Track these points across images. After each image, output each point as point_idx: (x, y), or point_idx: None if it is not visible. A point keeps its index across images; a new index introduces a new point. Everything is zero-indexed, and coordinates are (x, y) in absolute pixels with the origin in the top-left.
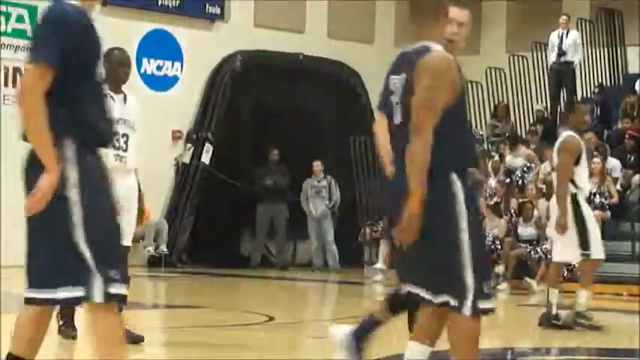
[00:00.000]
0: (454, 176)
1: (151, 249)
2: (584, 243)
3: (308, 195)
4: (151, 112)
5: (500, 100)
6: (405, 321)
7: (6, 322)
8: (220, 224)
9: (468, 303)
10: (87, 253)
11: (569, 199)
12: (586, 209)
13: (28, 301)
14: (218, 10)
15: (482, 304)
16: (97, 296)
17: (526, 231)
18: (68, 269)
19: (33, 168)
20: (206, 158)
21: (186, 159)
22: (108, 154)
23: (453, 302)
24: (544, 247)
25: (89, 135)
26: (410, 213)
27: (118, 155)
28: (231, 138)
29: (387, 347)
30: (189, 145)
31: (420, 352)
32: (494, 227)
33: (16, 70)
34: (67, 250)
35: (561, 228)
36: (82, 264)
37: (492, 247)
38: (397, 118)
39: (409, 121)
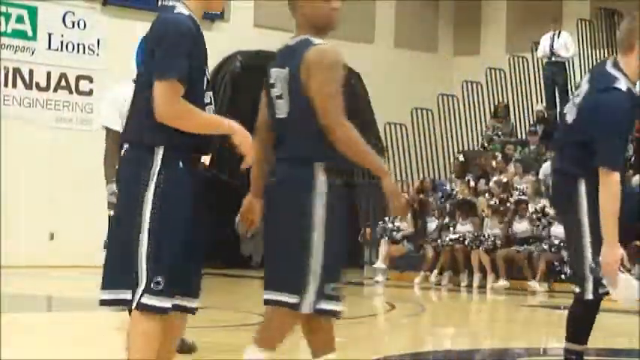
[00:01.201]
0: (318, 170)
1: None
2: None
3: None
4: None
5: (500, 100)
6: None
7: (6, 321)
8: (220, 224)
9: (309, 301)
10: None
11: None
12: None
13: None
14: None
15: (323, 305)
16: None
17: (520, 227)
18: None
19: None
20: (206, 158)
21: None
22: None
23: (291, 300)
24: (542, 245)
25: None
26: None
27: None
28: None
29: (387, 347)
30: None
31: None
32: (494, 227)
33: (16, 70)
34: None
35: None
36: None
37: (492, 247)
38: (282, 112)
39: (296, 114)
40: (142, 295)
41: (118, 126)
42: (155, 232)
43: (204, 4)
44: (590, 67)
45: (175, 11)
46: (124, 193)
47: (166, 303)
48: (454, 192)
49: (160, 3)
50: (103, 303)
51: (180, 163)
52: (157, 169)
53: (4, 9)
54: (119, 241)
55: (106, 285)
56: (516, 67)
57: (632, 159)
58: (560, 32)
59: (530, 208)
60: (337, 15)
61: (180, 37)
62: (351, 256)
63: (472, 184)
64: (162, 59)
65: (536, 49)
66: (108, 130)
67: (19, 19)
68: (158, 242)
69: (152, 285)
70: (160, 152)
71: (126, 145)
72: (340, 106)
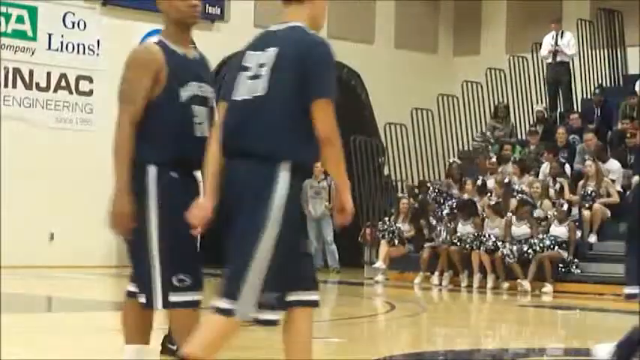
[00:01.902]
0: (151, 169)
1: None
2: None
3: (307, 196)
4: None
5: (500, 100)
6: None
7: (6, 322)
8: (220, 224)
9: (158, 296)
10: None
11: None
12: None
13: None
14: (218, 11)
15: (176, 297)
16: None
17: (520, 230)
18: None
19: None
20: None
21: None
22: None
23: (143, 298)
24: (540, 245)
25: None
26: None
27: None
28: None
29: (387, 347)
30: None
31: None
32: (495, 227)
33: (16, 70)
34: None
35: None
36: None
37: (493, 247)
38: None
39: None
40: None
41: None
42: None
43: (313, 24)
44: (590, 67)
45: (311, 32)
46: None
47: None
48: (454, 192)
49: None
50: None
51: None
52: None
53: (4, 9)
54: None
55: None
56: (516, 67)
57: (632, 159)
58: (563, 32)
59: (537, 211)
60: (195, 11)
61: (332, 61)
62: (351, 256)
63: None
64: (329, 82)
65: (537, 49)
66: None
67: (19, 19)
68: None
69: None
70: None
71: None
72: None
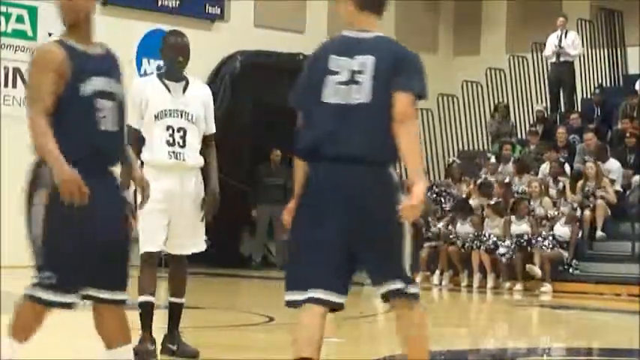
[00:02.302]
0: None
1: None
2: None
3: None
4: None
5: (500, 100)
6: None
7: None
8: (220, 224)
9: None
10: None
11: None
12: None
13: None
14: (218, 11)
15: (34, 292)
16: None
17: (519, 229)
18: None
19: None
20: None
21: None
22: (161, 152)
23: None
24: (541, 243)
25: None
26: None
27: (173, 152)
28: (231, 138)
29: (387, 347)
30: None
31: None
32: (495, 227)
33: (16, 70)
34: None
35: None
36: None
37: (493, 247)
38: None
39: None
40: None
41: (137, 125)
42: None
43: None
44: (591, 67)
45: (400, 44)
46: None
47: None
48: (453, 192)
49: (159, 3)
50: None
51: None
52: None
53: (4, 9)
54: None
55: None
56: (516, 67)
57: (632, 159)
58: (567, 31)
59: (538, 209)
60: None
61: None
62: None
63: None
64: (422, 79)
65: (537, 49)
66: (129, 128)
67: (19, 19)
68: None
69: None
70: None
71: None
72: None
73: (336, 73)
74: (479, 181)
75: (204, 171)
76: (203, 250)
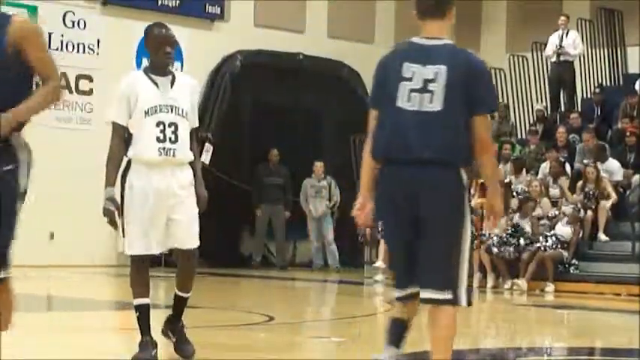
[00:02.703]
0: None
1: None
2: None
3: (307, 195)
4: None
5: (500, 100)
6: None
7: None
8: (220, 224)
9: None
10: None
11: None
12: None
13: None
14: (218, 10)
15: None
16: None
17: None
18: None
19: None
20: (206, 158)
21: None
22: (151, 148)
23: None
24: (541, 244)
25: None
26: None
27: (163, 149)
28: (231, 138)
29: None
30: None
31: None
32: (495, 227)
33: None
34: None
35: None
36: None
37: (492, 246)
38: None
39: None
40: None
41: (126, 122)
42: None
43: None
44: (591, 66)
45: (469, 51)
46: None
47: None
48: None
49: (159, 3)
50: None
51: None
52: None
53: (4, 9)
54: None
55: None
56: (516, 67)
57: (632, 159)
58: (568, 31)
59: (537, 209)
60: None
61: None
62: (351, 256)
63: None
64: (490, 96)
65: (537, 49)
66: (114, 126)
67: None
68: None
69: None
70: None
71: None
72: None
73: (409, 79)
74: (480, 181)
75: (192, 165)
76: (192, 246)
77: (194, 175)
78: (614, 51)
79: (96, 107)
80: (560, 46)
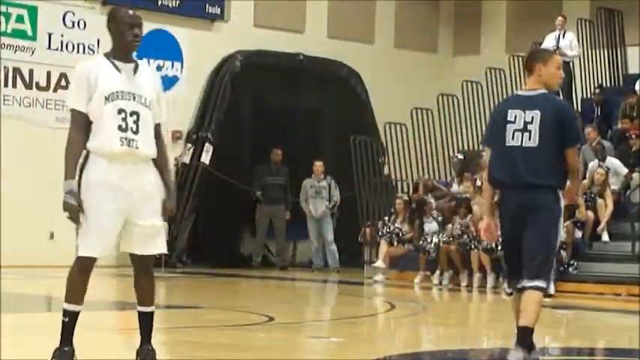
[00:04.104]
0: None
1: None
2: None
3: (307, 195)
4: None
5: (500, 100)
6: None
7: (6, 322)
8: (220, 224)
9: None
10: None
11: None
12: None
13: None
14: (218, 10)
15: None
16: None
17: None
18: None
19: None
20: (206, 158)
21: (186, 159)
22: (112, 137)
23: None
24: None
25: None
26: None
27: (125, 138)
28: (231, 138)
29: (387, 347)
30: (189, 145)
31: None
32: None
33: (16, 70)
34: None
35: None
36: None
37: (490, 247)
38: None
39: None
40: None
41: (85, 108)
42: None
43: (548, 86)
44: (590, 66)
45: (557, 98)
46: None
47: None
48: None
49: (159, 3)
50: None
51: None
52: None
53: (4, 9)
54: None
55: None
56: (516, 67)
57: (633, 159)
58: (565, 31)
59: None
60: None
61: None
62: (351, 256)
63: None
64: (576, 132)
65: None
66: (73, 113)
67: (19, 19)
68: None
69: None
70: None
71: None
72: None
73: (513, 122)
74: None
75: (157, 164)
76: (165, 252)
77: (162, 177)
78: (613, 51)
79: None
80: (557, 47)
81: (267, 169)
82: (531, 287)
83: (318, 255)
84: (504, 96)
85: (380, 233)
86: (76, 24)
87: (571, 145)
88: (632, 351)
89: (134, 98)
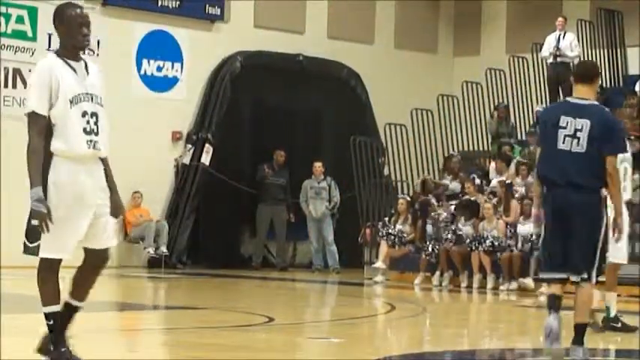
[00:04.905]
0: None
1: (151, 250)
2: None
3: (307, 196)
4: (151, 113)
5: (501, 100)
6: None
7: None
8: (220, 225)
9: None
10: None
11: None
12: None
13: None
14: (218, 11)
15: None
16: None
17: (525, 228)
18: None
19: None
20: (206, 159)
21: (187, 160)
22: (79, 141)
23: None
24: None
25: None
26: None
27: (90, 141)
28: (231, 139)
29: (387, 347)
30: (189, 145)
31: None
32: (493, 229)
33: (16, 70)
34: None
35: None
36: None
37: (491, 247)
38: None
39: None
40: None
41: (47, 111)
42: None
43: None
44: None
45: (606, 109)
46: None
47: None
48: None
49: (159, 3)
50: None
51: None
52: None
53: (4, 9)
54: None
55: None
56: (516, 67)
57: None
58: (565, 32)
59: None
60: None
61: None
62: (351, 256)
63: (477, 181)
64: (618, 142)
65: (537, 49)
66: (35, 116)
67: (19, 20)
68: None
69: None
70: None
71: None
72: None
73: (564, 128)
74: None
75: (103, 162)
76: (114, 244)
77: (106, 176)
78: (614, 52)
79: None
80: (557, 47)
81: (268, 169)
82: (581, 280)
83: (318, 256)
84: (504, 96)
85: (380, 234)
86: None
87: (611, 153)
88: (632, 351)
89: (92, 99)
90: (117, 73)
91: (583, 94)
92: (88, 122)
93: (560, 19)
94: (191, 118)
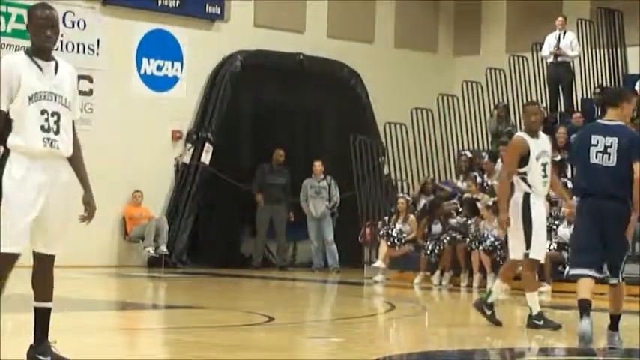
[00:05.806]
0: None
1: (151, 249)
2: (527, 242)
3: (307, 195)
4: (151, 113)
5: (500, 100)
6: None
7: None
8: (220, 224)
9: None
10: None
11: (521, 197)
12: (536, 209)
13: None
14: (218, 10)
15: None
16: None
17: None
18: None
19: None
20: (206, 158)
21: (187, 159)
22: (35, 138)
23: None
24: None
25: None
26: None
27: (47, 139)
28: (231, 138)
29: (387, 347)
30: (189, 145)
31: None
32: (494, 228)
33: None
34: None
35: (501, 226)
36: None
37: (491, 247)
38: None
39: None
40: None
41: (7, 107)
42: None
43: (625, 120)
44: (591, 66)
45: (631, 129)
46: None
47: None
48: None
49: (159, 3)
50: None
51: None
52: None
53: (4, 9)
54: None
55: None
56: (516, 67)
57: None
58: (565, 32)
59: None
60: None
61: None
62: (351, 256)
63: (479, 180)
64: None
65: (537, 49)
66: None
67: (19, 19)
68: None
69: None
70: None
71: None
72: None
73: (595, 145)
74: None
75: (73, 163)
76: (59, 252)
77: (78, 176)
78: (614, 51)
79: (96, 108)
80: (557, 47)
81: (268, 169)
82: (615, 282)
83: (318, 255)
84: (504, 96)
85: (380, 233)
86: (76, 24)
87: (637, 159)
88: (632, 351)
89: (55, 99)
90: (117, 72)
91: (611, 117)
92: (47, 120)
93: (560, 18)
94: (191, 117)
